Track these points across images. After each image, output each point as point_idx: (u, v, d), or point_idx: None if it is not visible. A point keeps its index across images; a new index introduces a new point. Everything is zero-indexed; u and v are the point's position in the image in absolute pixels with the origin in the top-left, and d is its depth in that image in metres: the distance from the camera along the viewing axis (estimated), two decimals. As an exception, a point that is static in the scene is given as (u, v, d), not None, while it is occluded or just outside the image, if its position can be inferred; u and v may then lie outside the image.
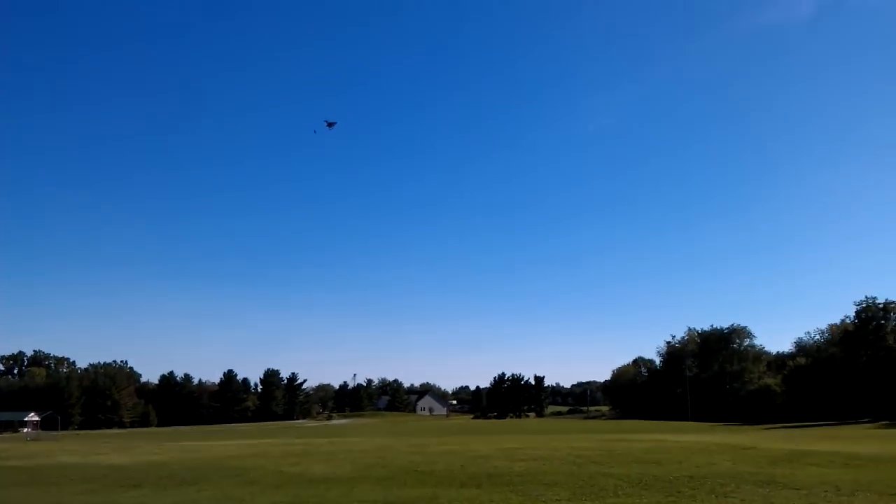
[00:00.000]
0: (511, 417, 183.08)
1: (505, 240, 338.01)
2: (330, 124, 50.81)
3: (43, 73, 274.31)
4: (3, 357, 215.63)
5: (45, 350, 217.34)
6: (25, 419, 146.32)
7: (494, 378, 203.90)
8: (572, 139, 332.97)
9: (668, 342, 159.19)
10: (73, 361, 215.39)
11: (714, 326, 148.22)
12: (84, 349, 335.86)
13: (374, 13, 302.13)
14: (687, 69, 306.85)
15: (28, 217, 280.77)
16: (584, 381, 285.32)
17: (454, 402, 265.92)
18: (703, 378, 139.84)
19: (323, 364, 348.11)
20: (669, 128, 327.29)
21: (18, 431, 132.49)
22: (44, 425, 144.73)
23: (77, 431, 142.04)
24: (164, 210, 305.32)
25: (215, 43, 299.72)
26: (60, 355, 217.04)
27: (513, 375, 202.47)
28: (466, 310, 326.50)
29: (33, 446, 62.13)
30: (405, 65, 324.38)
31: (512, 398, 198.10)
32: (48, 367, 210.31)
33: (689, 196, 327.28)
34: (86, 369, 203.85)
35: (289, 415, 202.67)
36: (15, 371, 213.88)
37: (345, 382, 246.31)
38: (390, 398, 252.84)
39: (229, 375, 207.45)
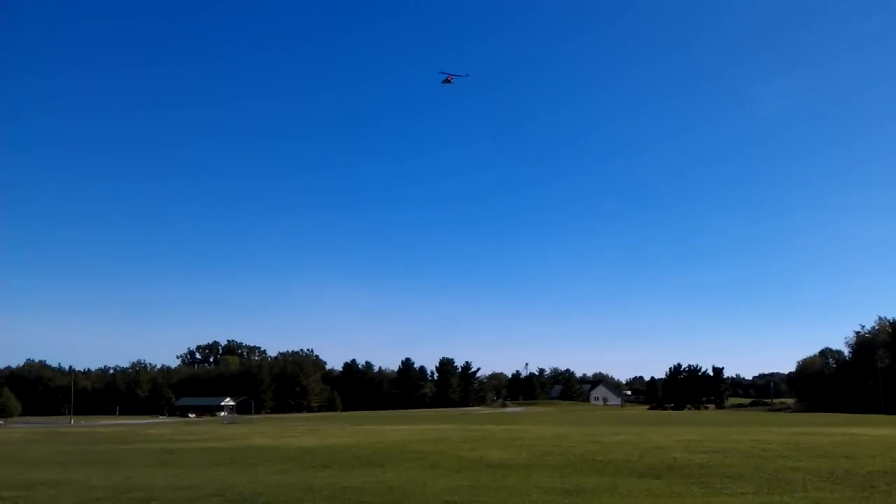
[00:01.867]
0: (689, 409, 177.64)
1: (679, 229, 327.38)
2: (448, 79, 50.05)
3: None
4: (200, 346, 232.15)
5: (238, 340, 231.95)
6: (222, 404, 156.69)
7: (670, 368, 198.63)
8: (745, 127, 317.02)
9: (858, 332, 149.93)
10: (264, 350, 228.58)
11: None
12: (273, 338, 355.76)
13: None
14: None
15: (231, 221, 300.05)
16: (766, 372, 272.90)
17: (628, 392, 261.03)
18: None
19: (495, 353, 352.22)
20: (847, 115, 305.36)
21: (216, 415, 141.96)
22: (239, 409, 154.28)
23: (269, 415, 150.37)
24: (335, 206, 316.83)
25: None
26: (252, 344, 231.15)
27: (689, 366, 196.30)
28: (639, 300, 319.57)
29: (230, 429, 66.53)
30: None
31: (689, 389, 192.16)
32: (241, 355, 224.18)
33: (875, 179, 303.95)
34: (275, 357, 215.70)
35: (464, 402, 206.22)
36: (211, 359, 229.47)
37: (517, 371, 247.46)
38: (563, 387, 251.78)
39: (407, 363, 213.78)
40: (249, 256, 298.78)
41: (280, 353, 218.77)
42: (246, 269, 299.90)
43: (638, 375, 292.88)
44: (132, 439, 48.44)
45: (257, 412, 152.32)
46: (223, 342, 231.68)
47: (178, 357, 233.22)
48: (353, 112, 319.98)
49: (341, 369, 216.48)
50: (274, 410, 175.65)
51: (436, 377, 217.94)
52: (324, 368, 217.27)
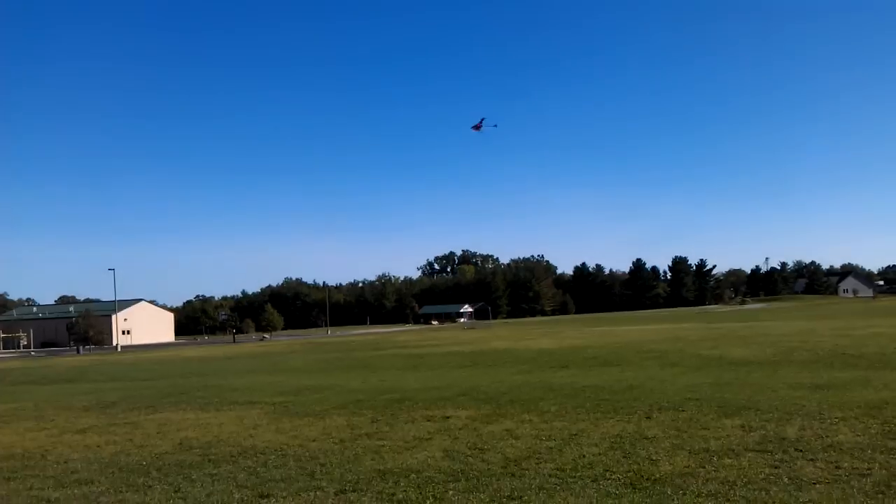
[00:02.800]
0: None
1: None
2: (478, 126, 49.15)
3: None
4: (437, 258, 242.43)
5: (473, 249, 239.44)
6: (461, 311, 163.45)
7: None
8: None
9: None
10: (497, 258, 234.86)
11: None
12: (506, 246, 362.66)
13: None
14: None
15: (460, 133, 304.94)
16: None
17: (881, 282, 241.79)
18: None
19: (732, 249, 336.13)
20: None
21: (456, 322, 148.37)
22: (476, 315, 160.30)
23: (505, 320, 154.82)
24: (562, 103, 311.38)
25: None
26: (486, 253, 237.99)
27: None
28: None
29: (470, 334, 69.28)
30: None
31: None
32: (476, 264, 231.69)
33: None
34: (508, 264, 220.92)
35: (700, 300, 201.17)
36: (448, 269, 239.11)
37: (756, 266, 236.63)
38: (808, 281, 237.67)
39: (638, 264, 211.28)
40: (477, 167, 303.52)
41: (512, 260, 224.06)
42: (476, 179, 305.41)
43: (892, 264, 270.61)
44: (383, 346, 51.89)
45: (493, 317, 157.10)
46: (459, 252, 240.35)
47: (418, 268, 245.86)
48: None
49: (572, 273, 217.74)
50: (509, 315, 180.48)
51: (668, 277, 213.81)
52: (555, 273, 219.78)
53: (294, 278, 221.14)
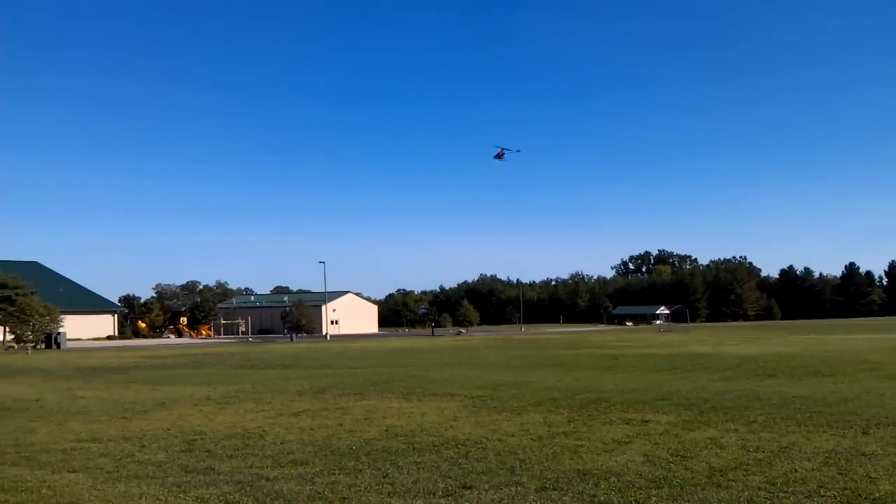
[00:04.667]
0: None
1: None
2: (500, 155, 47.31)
3: None
4: (632, 257, 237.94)
5: (669, 249, 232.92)
6: (657, 312, 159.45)
7: None
8: None
9: None
10: (695, 258, 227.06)
11: None
12: (704, 246, 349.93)
13: None
14: None
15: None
16: None
17: None
18: None
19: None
20: None
21: (651, 323, 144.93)
22: (673, 318, 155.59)
23: (703, 323, 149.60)
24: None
25: None
26: (683, 253, 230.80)
27: None
28: None
29: (667, 336, 67.56)
30: None
31: None
32: (672, 264, 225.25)
33: None
34: (707, 265, 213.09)
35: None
36: (643, 269, 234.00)
37: None
38: None
39: (851, 268, 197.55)
40: (671, 164, 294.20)
41: (711, 261, 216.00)
42: (673, 176, 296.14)
43: None
44: (577, 345, 51.66)
45: (691, 320, 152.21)
46: (654, 252, 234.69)
47: (612, 268, 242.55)
48: None
49: (777, 276, 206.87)
50: (708, 319, 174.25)
51: (885, 282, 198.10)
52: (758, 276, 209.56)
53: (489, 275, 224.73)
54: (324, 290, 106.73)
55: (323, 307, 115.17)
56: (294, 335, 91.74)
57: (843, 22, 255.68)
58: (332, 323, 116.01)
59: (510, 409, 15.67)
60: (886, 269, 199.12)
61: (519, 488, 8.53)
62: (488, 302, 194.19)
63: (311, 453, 10.93)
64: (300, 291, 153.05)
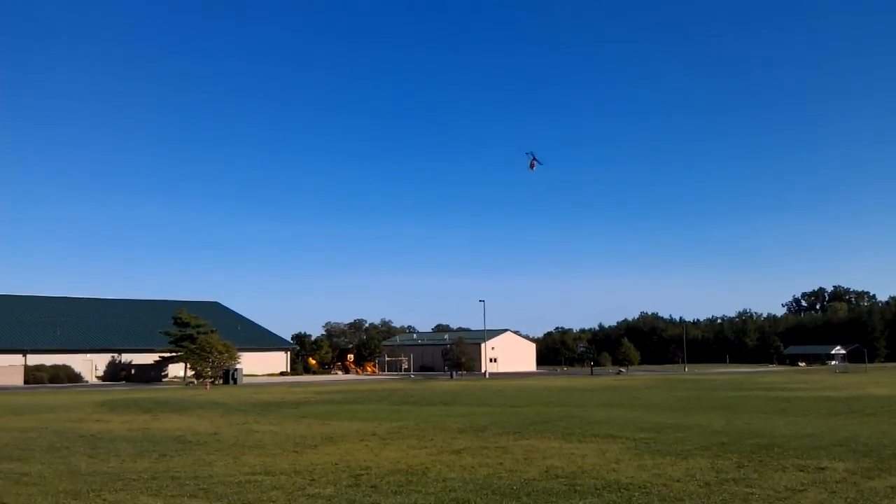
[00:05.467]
0: None
1: None
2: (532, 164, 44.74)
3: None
4: (805, 294, 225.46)
5: (845, 285, 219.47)
6: (832, 352, 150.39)
7: None
8: None
9: None
10: (874, 295, 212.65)
11: None
12: (883, 281, 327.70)
13: None
14: None
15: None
16: None
17: None
18: None
19: None
20: None
21: (825, 364, 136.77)
22: (849, 358, 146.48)
23: (883, 364, 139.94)
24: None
25: None
26: (860, 289, 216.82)
27: None
28: None
29: (843, 378, 63.72)
30: None
31: None
32: (849, 301, 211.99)
33: None
34: (887, 302, 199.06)
35: None
36: (817, 307, 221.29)
37: None
38: None
39: None
40: (851, 191, 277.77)
41: (892, 297, 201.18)
42: (847, 205, 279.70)
43: None
44: (746, 386, 49.50)
45: (869, 361, 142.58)
46: (829, 288, 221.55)
47: (783, 305, 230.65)
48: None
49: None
50: (888, 359, 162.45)
51: None
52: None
53: (650, 312, 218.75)
54: (483, 329, 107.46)
55: (482, 345, 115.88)
56: (454, 372, 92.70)
57: None
58: (490, 361, 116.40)
59: (675, 453, 15.26)
60: None
61: None
62: (649, 340, 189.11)
63: (473, 492, 11.06)
64: (460, 329, 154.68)
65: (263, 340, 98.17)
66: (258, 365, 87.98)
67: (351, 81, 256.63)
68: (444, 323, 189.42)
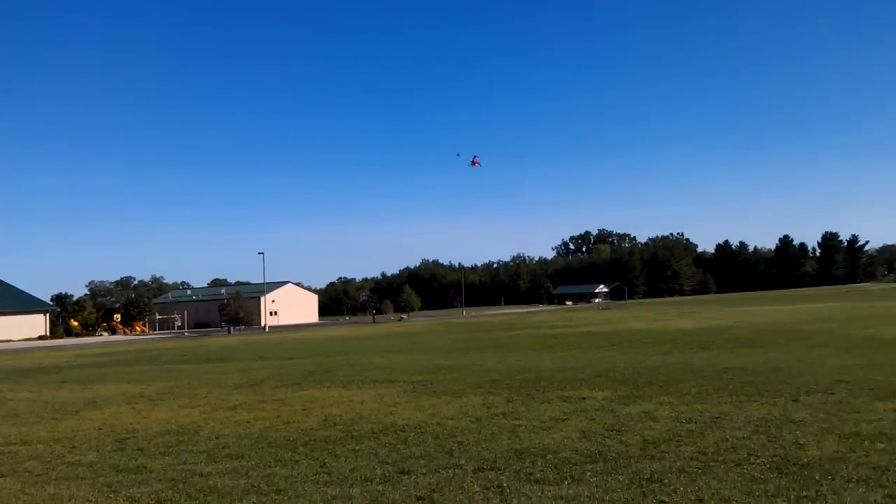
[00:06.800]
0: None
1: None
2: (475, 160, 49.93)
3: None
4: (572, 237, 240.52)
5: (608, 228, 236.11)
6: (596, 291, 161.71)
7: None
8: None
9: None
10: (634, 237, 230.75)
11: None
12: (643, 224, 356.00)
13: None
14: None
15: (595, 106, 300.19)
16: None
17: None
18: None
19: (889, 223, 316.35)
20: None
21: (591, 302, 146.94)
22: (612, 296, 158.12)
23: (641, 300, 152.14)
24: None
25: None
26: (622, 231, 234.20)
27: None
28: None
29: (606, 314, 68.51)
30: None
31: None
32: (612, 243, 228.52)
33: None
34: (645, 243, 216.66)
35: (850, 278, 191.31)
36: (584, 249, 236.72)
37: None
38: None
39: (785, 241, 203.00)
40: (610, 144, 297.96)
41: (650, 239, 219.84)
42: (611, 155, 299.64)
43: None
44: (518, 326, 52.00)
45: (630, 297, 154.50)
46: (594, 231, 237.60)
47: (553, 249, 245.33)
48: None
49: (713, 251, 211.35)
50: (646, 295, 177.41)
51: (818, 254, 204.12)
52: (695, 251, 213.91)
53: (431, 260, 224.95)
54: (262, 282, 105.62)
55: (262, 298, 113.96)
56: (231, 328, 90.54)
57: None
58: (271, 314, 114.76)
59: (450, 393, 15.68)
60: (819, 241, 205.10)
61: (457, 470, 8.53)
62: (430, 287, 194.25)
63: (247, 447, 10.76)
64: (238, 283, 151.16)
65: (17, 302, 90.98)
66: (12, 330, 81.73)
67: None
68: (222, 277, 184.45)
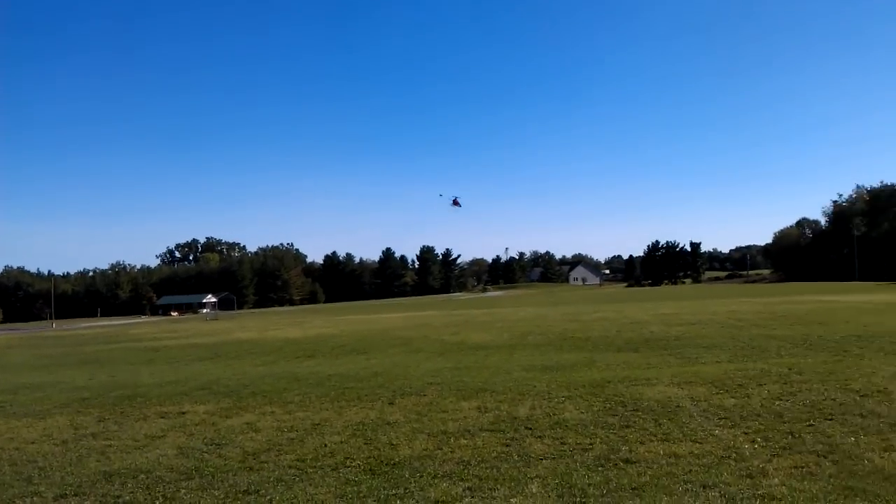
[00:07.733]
0: (666, 284, 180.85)
1: (666, 100, 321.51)
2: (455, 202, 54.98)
3: None
4: (179, 245, 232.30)
5: (217, 237, 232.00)
6: (204, 301, 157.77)
7: (648, 246, 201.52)
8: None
9: (835, 201, 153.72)
10: (244, 246, 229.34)
11: (885, 183, 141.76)
12: (253, 234, 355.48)
13: None
14: None
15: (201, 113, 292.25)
16: (743, 245, 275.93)
17: (607, 271, 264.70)
18: (873, 237, 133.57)
19: (476, 240, 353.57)
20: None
21: (198, 313, 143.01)
22: (221, 306, 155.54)
23: (252, 310, 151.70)
24: (312, 93, 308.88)
25: None
26: (232, 241, 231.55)
27: (667, 242, 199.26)
28: (619, 176, 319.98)
29: (213, 325, 67.03)
30: None
31: (667, 265, 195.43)
32: (221, 252, 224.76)
33: (854, 42, 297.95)
34: (256, 253, 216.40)
35: (445, 288, 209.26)
36: (191, 258, 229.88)
37: (497, 256, 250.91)
38: (543, 270, 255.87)
39: (388, 253, 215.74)
40: (222, 150, 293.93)
41: (260, 249, 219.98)
42: (220, 163, 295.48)
43: (616, 255, 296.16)
44: (116, 339, 48.73)
45: (239, 307, 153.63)
46: (202, 240, 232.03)
47: (157, 256, 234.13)
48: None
49: (322, 262, 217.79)
50: (256, 305, 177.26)
51: (417, 266, 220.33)
52: (304, 262, 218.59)
53: (15, 266, 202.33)
54: None
55: None
56: None
57: None
58: None
59: (32, 414, 14.14)
60: (418, 254, 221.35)
61: (36, 498, 7.80)
62: (14, 297, 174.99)
63: None
64: None
65: None
66: None
67: None
68: None
